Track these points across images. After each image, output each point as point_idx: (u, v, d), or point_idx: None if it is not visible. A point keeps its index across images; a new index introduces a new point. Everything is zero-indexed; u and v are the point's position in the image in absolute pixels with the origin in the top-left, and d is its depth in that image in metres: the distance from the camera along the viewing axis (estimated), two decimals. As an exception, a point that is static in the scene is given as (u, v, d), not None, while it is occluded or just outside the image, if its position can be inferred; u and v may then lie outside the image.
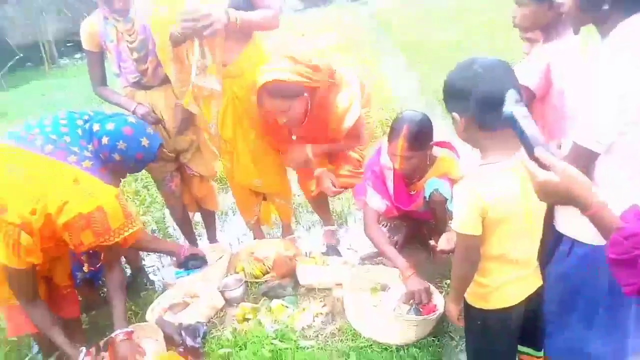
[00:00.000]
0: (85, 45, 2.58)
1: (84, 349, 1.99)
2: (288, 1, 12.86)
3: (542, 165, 1.00)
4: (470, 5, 9.27)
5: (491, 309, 1.49)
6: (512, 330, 1.54)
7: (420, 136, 2.19)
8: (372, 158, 2.46)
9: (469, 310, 1.58)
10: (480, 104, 1.26)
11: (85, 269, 2.13)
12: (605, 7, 1.26)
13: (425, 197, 2.33)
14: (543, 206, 1.44)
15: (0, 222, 1.74)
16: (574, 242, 1.44)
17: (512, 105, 1.07)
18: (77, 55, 11.09)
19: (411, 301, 2.22)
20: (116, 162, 2.22)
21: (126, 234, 1.93)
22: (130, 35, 2.46)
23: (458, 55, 6.07)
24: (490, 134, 1.31)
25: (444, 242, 2.23)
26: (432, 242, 2.32)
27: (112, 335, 2.02)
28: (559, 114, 1.69)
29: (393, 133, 2.22)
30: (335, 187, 2.63)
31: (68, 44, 10.91)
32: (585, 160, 1.38)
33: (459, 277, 1.49)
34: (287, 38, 8.80)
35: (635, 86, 1.22)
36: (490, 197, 1.29)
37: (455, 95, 1.31)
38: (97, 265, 2.16)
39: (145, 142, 2.28)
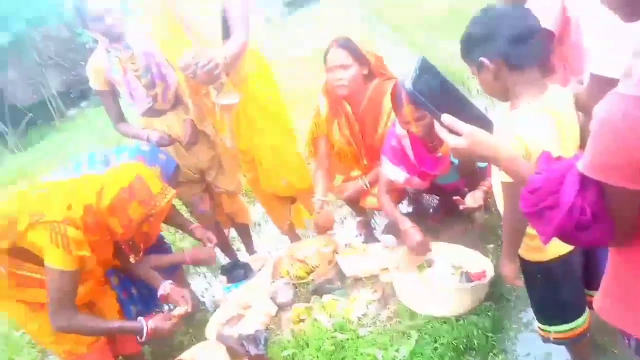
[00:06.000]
0: (94, 85, 2.65)
1: (142, 318, 2.02)
2: (273, 9, 12.91)
3: (451, 130, 1.09)
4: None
5: (550, 259, 1.48)
6: (575, 276, 1.54)
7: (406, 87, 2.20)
8: (388, 133, 2.47)
9: (526, 267, 1.58)
10: (511, 41, 1.28)
11: (132, 259, 2.13)
12: None
13: (452, 161, 2.33)
14: (577, 142, 1.43)
15: (44, 226, 1.75)
16: None
17: (409, 81, 1.10)
18: (83, 104, 11.31)
19: (460, 271, 2.23)
20: None
21: (169, 196, 1.95)
22: (133, 63, 2.53)
23: (451, 24, 6.04)
24: (520, 75, 1.32)
25: (469, 200, 2.22)
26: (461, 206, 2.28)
27: (162, 286, 2.20)
28: (578, 52, 1.68)
29: (396, 103, 2.23)
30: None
31: (72, 95, 11.14)
32: (605, 88, 1.37)
33: (512, 230, 1.47)
34: (280, 43, 8.85)
35: None
36: (531, 137, 1.28)
37: (481, 39, 1.32)
38: (141, 254, 2.17)
39: (156, 170, 2.31)
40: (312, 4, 13.19)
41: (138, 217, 1.87)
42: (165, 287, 2.22)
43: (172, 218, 2.72)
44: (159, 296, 2.24)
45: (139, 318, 2.06)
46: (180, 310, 2.13)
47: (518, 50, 1.29)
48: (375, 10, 9.50)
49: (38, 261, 1.81)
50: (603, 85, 1.38)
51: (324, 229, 2.79)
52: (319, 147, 2.80)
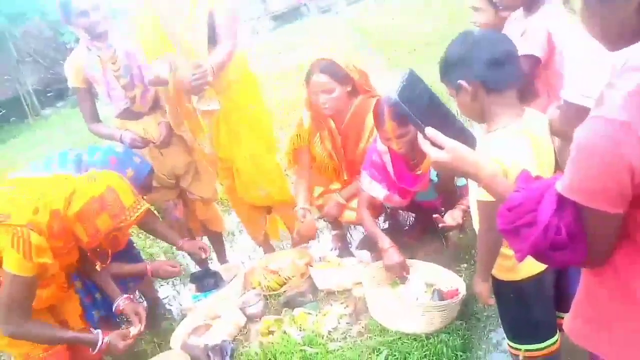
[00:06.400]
0: (72, 82, 2.59)
1: (99, 332, 1.97)
2: (261, 22, 12.99)
3: (434, 144, 1.08)
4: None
5: (522, 278, 1.49)
6: (547, 297, 1.54)
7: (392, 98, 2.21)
8: (370, 148, 2.48)
9: (499, 286, 1.58)
10: (488, 64, 1.29)
11: (98, 267, 2.06)
12: None
13: (431, 179, 2.34)
14: (552, 166, 1.45)
15: (7, 228, 1.68)
16: None
17: (395, 92, 1.10)
18: (59, 104, 11.09)
19: (433, 288, 2.22)
20: None
21: (140, 210, 1.90)
22: (113, 63, 2.49)
23: (435, 48, 6.17)
24: (497, 97, 1.34)
25: (448, 219, 2.23)
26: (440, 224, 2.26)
27: (117, 300, 2.14)
28: (562, 78, 1.72)
29: (378, 119, 2.24)
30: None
31: (48, 94, 10.92)
32: (578, 116, 1.40)
33: (486, 249, 1.48)
34: (264, 57, 8.87)
35: None
36: (508, 159, 1.29)
37: (460, 62, 1.33)
38: (109, 262, 2.09)
39: (130, 173, 2.27)
40: (298, 19, 13.35)
41: (105, 228, 1.83)
42: (119, 302, 2.17)
43: (160, 232, 2.64)
44: (113, 309, 2.18)
45: (96, 331, 2.01)
46: (133, 330, 2.08)
47: (495, 74, 1.31)
48: (360, 30, 9.65)
49: None
50: (576, 112, 1.42)
51: (306, 237, 2.78)
52: (300, 158, 2.79)
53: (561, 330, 1.64)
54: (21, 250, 1.67)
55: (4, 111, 9.62)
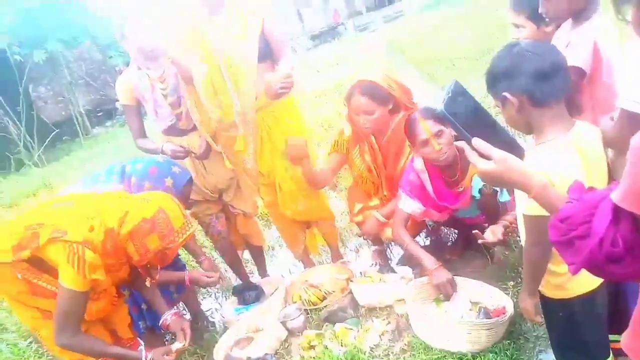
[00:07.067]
0: (122, 100, 2.71)
1: (142, 347, 2.02)
2: (299, 41, 13.26)
3: (482, 155, 1.08)
4: (474, 12, 9.39)
5: (572, 296, 1.43)
6: (599, 317, 1.48)
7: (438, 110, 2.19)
8: (407, 168, 2.46)
9: (547, 305, 1.52)
10: (534, 77, 1.27)
11: (147, 283, 2.12)
12: None
13: (474, 196, 2.30)
14: (604, 179, 1.40)
15: (64, 244, 1.76)
16: None
17: (442, 103, 1.10)
18: (108, 123, 11.64)
19: (478, 306, 2.16)
20: None
21: (189, 232, 1.95)
22: (162, 82, 2.59)
23: (474, 62, 6.11)
24: (544, 111, 1.31)
25: (489, 234, 2.16)
26: (480, 240, 2.18)
27: (164, 315, 2.17)
28: (610, 90, 1.67)
29: (412, 125, 2.24)
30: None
31: (98, 114, 11.48)
32: (634, 124, 1.35)
33: (533, 265, 1.44)
34: (303, 76, 9.02)
35: None
36: (556, 173, 1.25)
37: (505, 74, 1.31)
38: (157, 277, 2.12)
39: (169, 182, 2.32)
40: (336, 38, 13.54)
41: (154, 248, 1.89)
42: (166, 316, 2.21)
43: (189, 246, 2.70)
44: (160, 324, 2.23)
45: (140, 348, 2.05)
46: (177, 345, 2.11)
47: (541, 87, 1.28)
48: (397, 47, 9.67)
49: (55, 274, 1.83)
50: (631, 120, 1.37)
51: (296, 158, 2.61)
52: (330, 160, 2.80)
53: (616, 354, 1.56)
54: (76, 266, 1.75)
55: (57, 130, 10.15)
